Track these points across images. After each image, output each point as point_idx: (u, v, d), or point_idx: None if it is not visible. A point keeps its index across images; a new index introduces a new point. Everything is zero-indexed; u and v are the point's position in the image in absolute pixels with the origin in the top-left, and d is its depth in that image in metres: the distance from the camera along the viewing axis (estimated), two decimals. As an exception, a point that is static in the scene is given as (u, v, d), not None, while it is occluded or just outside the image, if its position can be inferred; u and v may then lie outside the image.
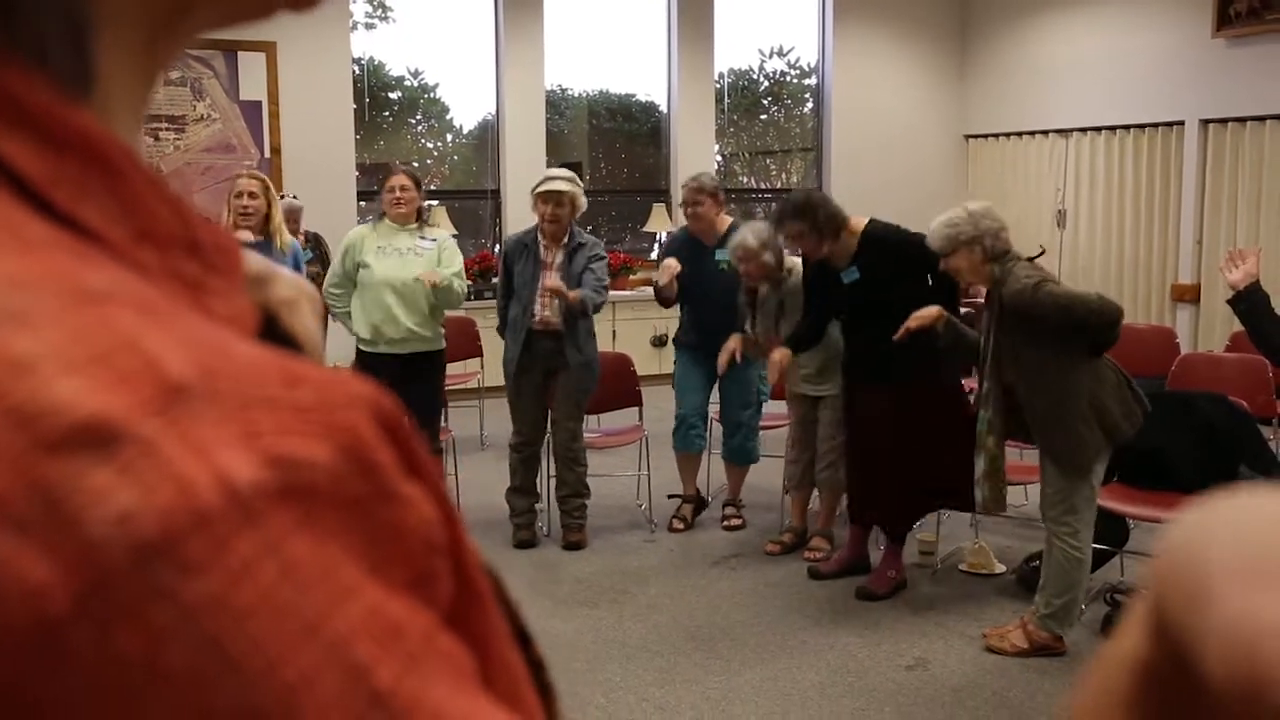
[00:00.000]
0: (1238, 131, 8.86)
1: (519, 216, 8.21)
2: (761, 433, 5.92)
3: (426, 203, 5.86)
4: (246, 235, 5.02)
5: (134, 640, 0.25)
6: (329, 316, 5.36)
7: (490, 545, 5.43)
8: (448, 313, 5.45)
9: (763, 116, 11.29)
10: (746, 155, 11.23)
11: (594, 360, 5.45)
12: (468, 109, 10.42)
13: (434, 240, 5.35)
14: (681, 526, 5.78)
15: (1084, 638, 4.34)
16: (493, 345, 6.50)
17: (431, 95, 10.00)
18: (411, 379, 5.18)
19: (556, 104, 10.08)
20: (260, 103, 8.44)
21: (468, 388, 7.71)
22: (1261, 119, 8.67)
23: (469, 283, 5.50)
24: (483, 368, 7.70)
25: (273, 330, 0.59)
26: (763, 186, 11.32)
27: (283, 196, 5.63)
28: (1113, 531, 4.70)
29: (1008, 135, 10.68)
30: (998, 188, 10.28)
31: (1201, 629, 0.29)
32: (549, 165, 8.35)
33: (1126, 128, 9.61)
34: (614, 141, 10.65)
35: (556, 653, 4.26)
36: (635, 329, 9.37)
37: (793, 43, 10.95)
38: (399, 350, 5.24)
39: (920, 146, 10.83)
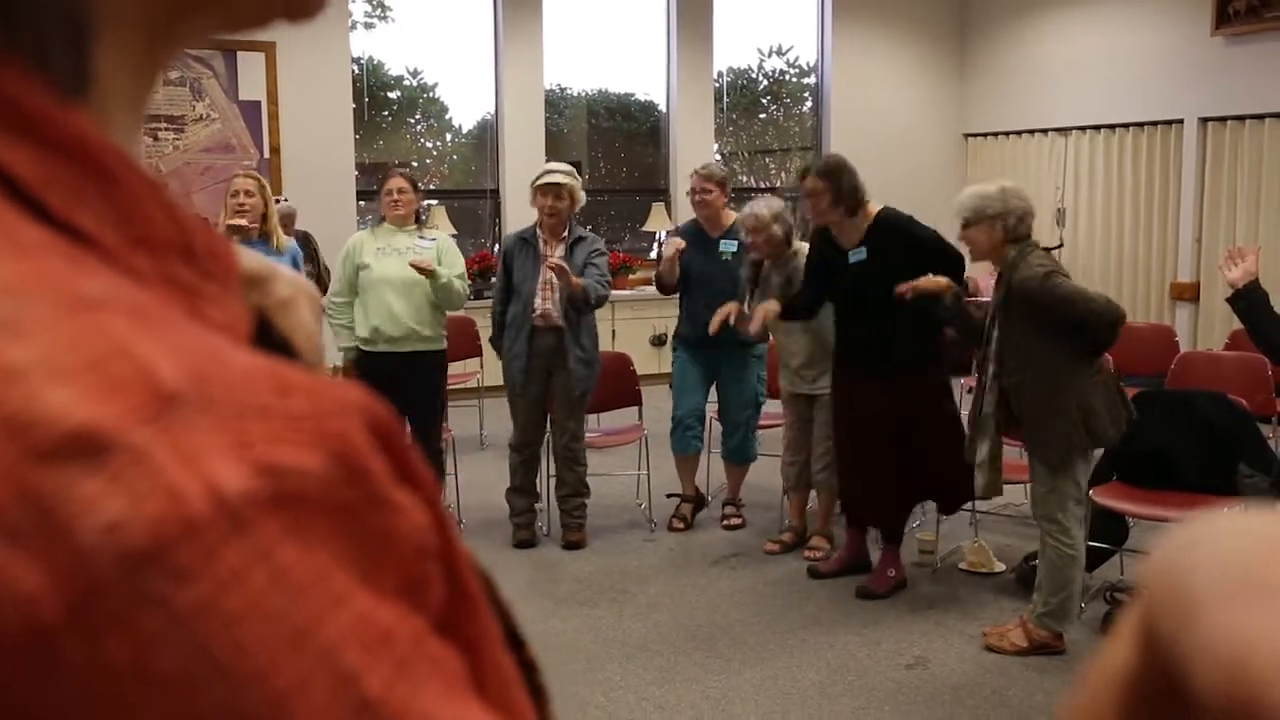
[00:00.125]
0: (1237, 130, 8.86)
1: (518, 216, 8.21)
2: (760, 432, 5.92)
3: (425, 203, 5.86)
4: (243, 221, 5.01)
5: (125, 648, 0.25)
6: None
7: (490, 545, 5.43)
8: (448, 313, 5.46)
9: (762, 115, 11.29)
10: (746, 154, 11.23)
11: (595, 359, 5.45)
12: (467, 108, 10.43)
13: (433, 240, 5.36)
14: (681, 526, 5.79)
15: (1083, 636, 4.34)
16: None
17: (431, 95, 10.00)
18: (412, 378, 5.18)
19: (556, 103, 10.08)
20: (259, 103, 8.44)
21: (467, 387, 7.71)
22: (1260, 117, 8.67)
23: (469, 282, 5.49)
24: (482, 367, 7.70)
25: (268, 334, 0.59)
26: (762, 185, 11.31)
27: (276, 200, 5.63)
28: (1112, 530, 4.70)
29: (1007, 134, 10.69)
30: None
31: (1190, 644, 0.29)
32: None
33: (1125, 126, 9.62)
34: (613, 141, 10.65)
35: (556, 652, 4.26)
36: (635, 328, 9.38)
37: (792, 42, 10.95)
38: (399, 349, 5.23)
39: (919, 145, 10.82)
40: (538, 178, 5.40)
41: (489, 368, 7.34)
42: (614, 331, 9.09)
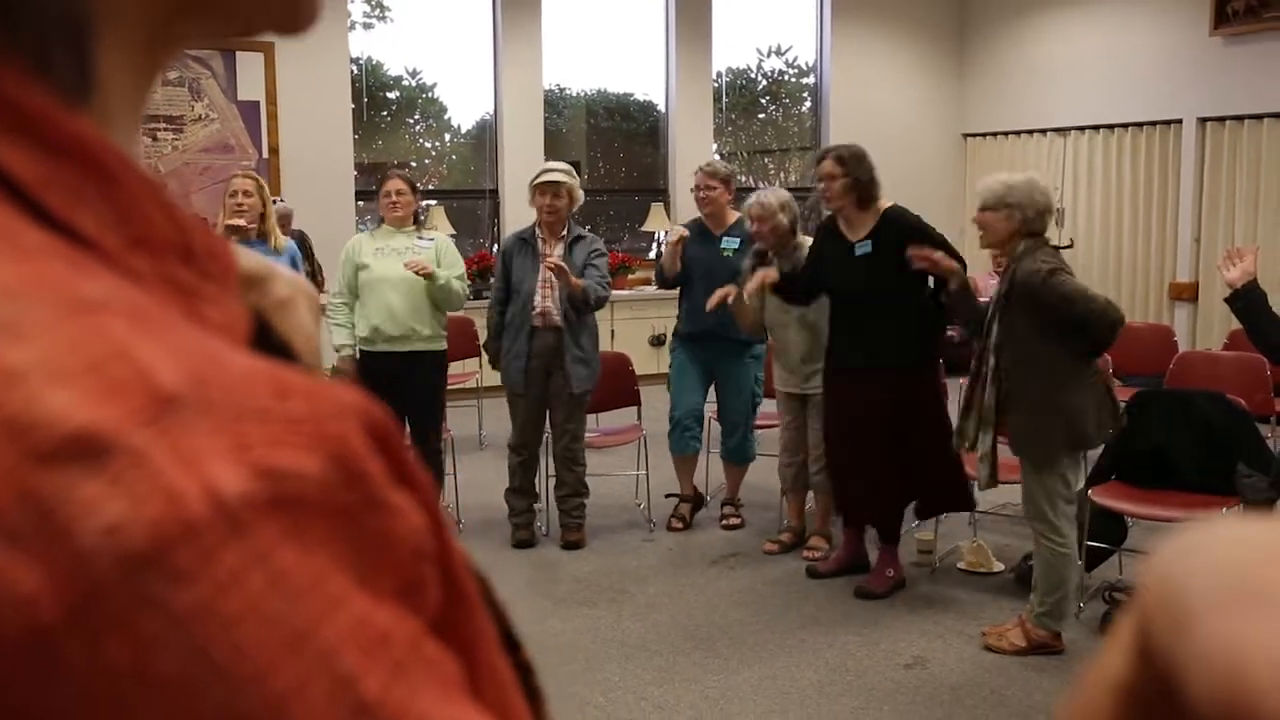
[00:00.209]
0: (1235, 130, 8.87)
1: (517, 216, 8.21)
2: (758, 432, 5.92)
3: (424, 203, 5.87)
4: (241, 221, 5.01)
5: (124, 649, 0.25)
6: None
7: (489, 545, 5.43)
8: (448, 313, 5.46)
9: (761, 116, 11.29)
10: (744, 154, 11.23)
11: (594, 359, 5.44)
12: (466, 109, 10.43)
13: (431, 240, 5.37)
14: (680, 526, 5.79)
15: (1082, 636, 4.34)
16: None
17: (430, 95, 10.00)
18: (412, 378, 5.18)
19: (555, 103, 10.08)
20: (258, 103, 8.44)
21: (466, 387, 7.71)
22: (1259, 117, 8.67)
23: (468, 283, 5.49)
24: (481, 368, 7.69)
25: (267, 334, 0.59)
26: (761, 186, 11.32)
27: (273, 200, 5.63)
28: (1111, 530, 4.70)
29: (1006, 134, 10.69)
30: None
31: (1185, 652, 0.29)
32: (547, 164, 8.34)
33: (1124, 126, 9.62)
34: (612, 141, 10.65)
35: (555, 652, 4.26)
36: (633, 328, 9.38)
37: (791, 42, 10.95)
38: (399, 348, 5.23)
39: (918, 145, 10.83)
40: (536, 176, 5.41)
41: (488, 368, 7.32)
42: (613, 331, 9.09)
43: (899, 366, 4.68)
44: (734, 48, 10.64)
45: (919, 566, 5.18)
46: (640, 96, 10.55)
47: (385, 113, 9.84)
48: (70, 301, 0.28)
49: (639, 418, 6.10)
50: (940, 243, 4.64)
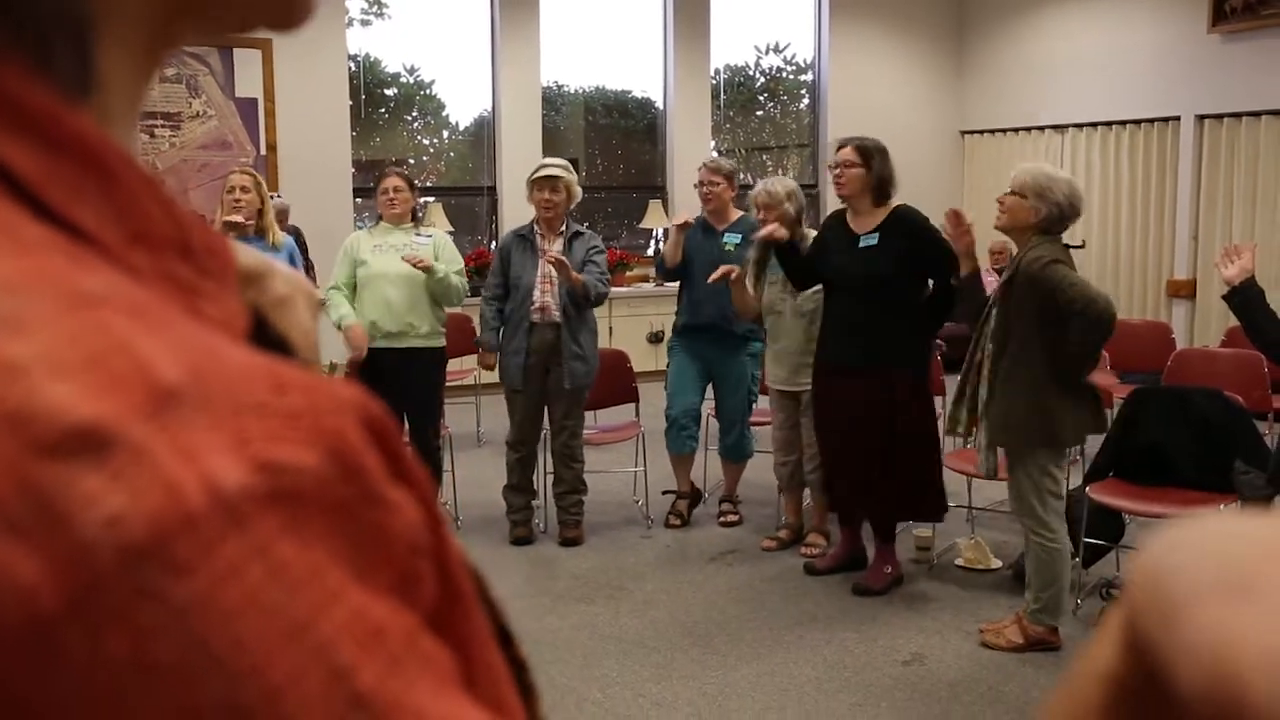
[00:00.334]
0: (1233, 127, 8.87)
1: (515, 213, 8.21)
2: (756, 429, 5.92)
3: (422, 200, 5.86)
4: (239, 218, 5.01)
5: (124, 640, 0.25)
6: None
7: (487, 542, 5.44)
8: (447, 310, 5.46)
9: (759, 113, 11.29)
10: (742, 151, 11.23)
11: (592, 356, 5.44)
12: (464, 106, 10.42)
13: (429, 237, 5.37)
14: (678, 522, 5.79)
15: (1079, 632, 4.35)
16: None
17: (427, 92, 9.99)
18: (411, 375, 5.18)
19: (553, 100, 10.07)
20: (256, 100, 8.43)
21: (464, 384, 7.70)
22: (1257, 114, 8.68)
23: (466, 280, 5.49)
24: (479, 364, 7.68)
25: (264, 331, 0.59)
26: (759, 182, 11.31)
27: (270, 196, 5.63)
28: (1108, 527, 4.71)
29: (1004, 131, 10.69)
30: (994, 184, 10.27)
31: (1173, 643, 0.29)
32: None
33: (1123, 123, 9.62)
34: (610, 138, 10.65)
35: (553, 649, 4.27)
36: (632, 325, 9.38)
37: (789, 39, 10.95)
38: (397, 344, 5.23)
39: (917, 142, 10.81)
40: (534, 172, 5.42)
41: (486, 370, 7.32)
42: (611, 328, 9.09)
43: (890, 365, 4.67)
44: (732, 45, 10.64)
45: (917, 563, 5.18)
46: (638, 93, 10.55)
47: (383, 110, 9.84)
48: (71, 296, 0.28)
49: (637, 414, 6.11)
50: (943, 244, 4.65)
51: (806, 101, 11.13)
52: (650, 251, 10.08)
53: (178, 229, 0.34)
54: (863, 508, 4.94)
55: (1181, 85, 9.08)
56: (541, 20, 9.52)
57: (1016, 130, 10.53)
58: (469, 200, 9.83)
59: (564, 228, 5.41)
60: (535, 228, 5.42)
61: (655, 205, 9.87)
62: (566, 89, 10.31)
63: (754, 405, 5.88)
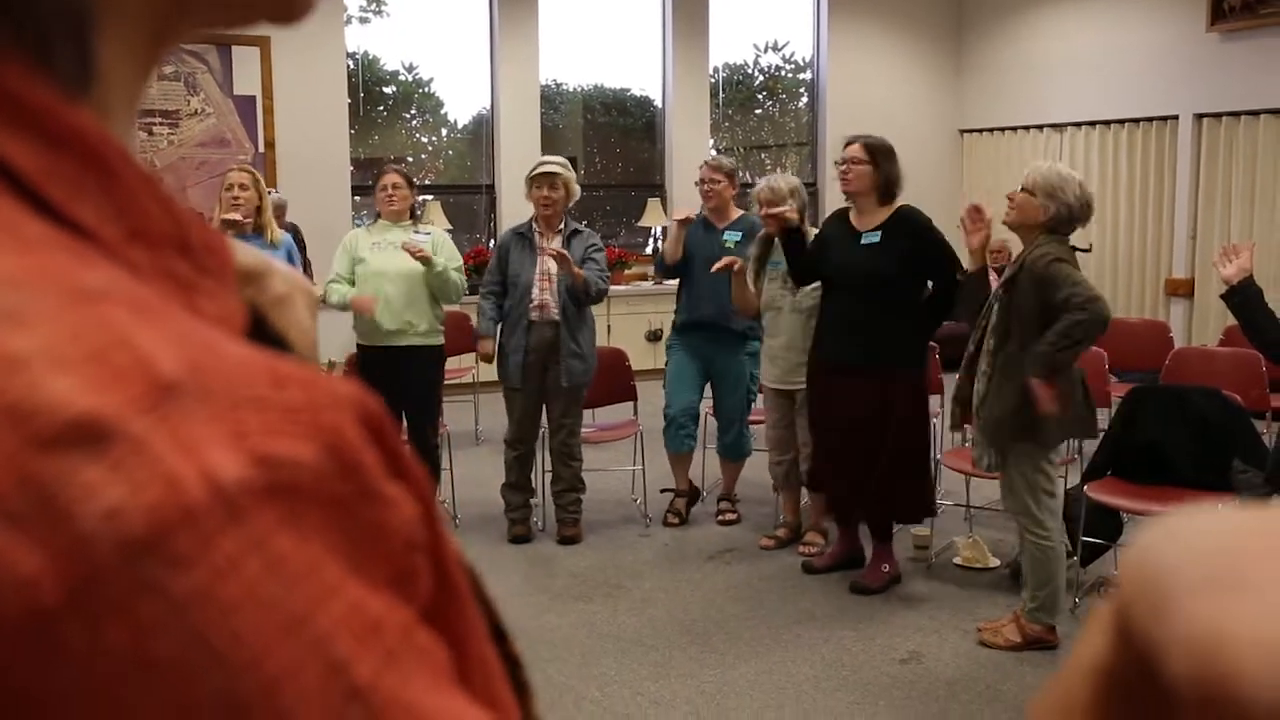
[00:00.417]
0: (1231, 126, 8.87)
1: (514, 211, 8.21)
2: (755, 427, 5.92)
3: (420, 198, 5.85)
4: (237, 216, 5.01)
5: (123, 633, 0.25)
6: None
7: (485, 540, 5.44)
8: (445, 307, 5.46)
9: (757, 111, 11.28)
10: (741, 150, 11.22)
11: (590, 354, 5.44)
12: (462, 104, 10.41)
13: (428, 234, 5.36)
14: (676, 521, 5.79)
15: (1077, 631, 4.33)
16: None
17: (426, 90, 9.99)
18: (409, 373, 5.18)
19: (551, 98, 10.07)
20: (254, 97, 8.42)
21: (463, 382, 7.70)
22: (1255, 113, 8.68)
23: (465, 277, 5.49)
24: (477, 363, 7.68)
25: (262, 329, 0.59)
26: (757, 181, 11.31)
27: (268, 193, 5.63)
28: (1106, 525, 4.71)
29: (1002, 130, 10.69)
30: (993, 182, 10.29)
31: (1164, 635, 0.29)
32: (544, 160, 8.34)
33: (1121, 122, 9.63)
34: (609, 136, 10.65)
35: (551, 647, 4.27)
36: (630, 323, 9.38)
37: (788, 37, 10.95)
38: (395, 343, 5.23)
39: (915, 141, 10.80)
40: (533, 169, 5.42)
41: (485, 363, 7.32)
42: (609, 327, 9.09)
43: (886, 364, 4.67)
44: (731, 43, 10.64)
45: (914, 562, 5.18)
46: (637, 92, 10.55)
47: (381, 108, 9.83)
48: (72, 291, 0.28)
49: (635, 413, 6.11)
50: (945, 246, 4.65)
51: (805, 100, 11.13)
52: (649, 250, 10.08)
53: (176, 226, 0.34)
54: (861, 507, 4.94)
55: (1180, 84, 9.08)
56: (540, 18, 9.52)
57: (1015, 129, 10.53)
58: (467, 198, 9.83)
59: (562, 226, 5.41)
60: (534, 226, 5.42)
61: (654, 204, 9.87)
62: (565, 87, 10.31)
63: (753, 404, 5.88)
